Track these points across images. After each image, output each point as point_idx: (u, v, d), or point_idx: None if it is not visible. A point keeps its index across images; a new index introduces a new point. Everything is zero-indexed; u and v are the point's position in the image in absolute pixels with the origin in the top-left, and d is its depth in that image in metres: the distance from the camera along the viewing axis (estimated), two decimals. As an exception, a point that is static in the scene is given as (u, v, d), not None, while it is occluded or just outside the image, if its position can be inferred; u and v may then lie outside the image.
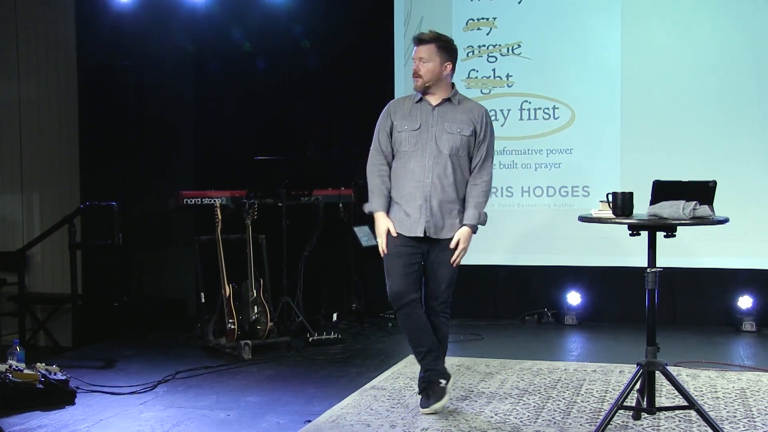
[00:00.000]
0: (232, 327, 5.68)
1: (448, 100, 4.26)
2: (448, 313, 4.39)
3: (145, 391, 4.77)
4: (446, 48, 4.24)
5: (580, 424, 4.06)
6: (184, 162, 7.43)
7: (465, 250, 4.25)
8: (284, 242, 6.19)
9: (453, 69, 4.27)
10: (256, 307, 5.78)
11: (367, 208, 4.36)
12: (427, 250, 4.27)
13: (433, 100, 4.26)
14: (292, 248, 6.30)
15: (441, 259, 4.26)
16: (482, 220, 4.27)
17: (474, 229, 4.26)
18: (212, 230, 5.83)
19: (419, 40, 4.24)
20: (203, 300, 5.98)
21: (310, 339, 5.97)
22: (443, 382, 4.27)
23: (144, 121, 7.17)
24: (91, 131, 7.34)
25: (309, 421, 4.16)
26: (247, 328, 5.74)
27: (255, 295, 5.79)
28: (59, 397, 4.49)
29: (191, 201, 6.29)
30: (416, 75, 4.23)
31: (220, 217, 5.80)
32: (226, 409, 4.42)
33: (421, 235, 4.21)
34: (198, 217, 6.95)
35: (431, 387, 4.26)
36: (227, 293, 5.75)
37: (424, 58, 4.20)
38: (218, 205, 5.89)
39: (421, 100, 4.29)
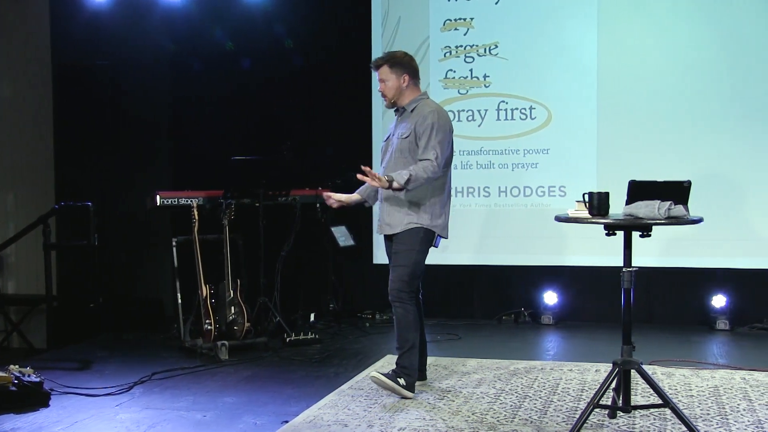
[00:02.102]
0: (209, 328, 5.66)
1: (404, 108, 4.68)
2: (397, 304, 4.64)
3: (121, 393, 4.74)
4: (398, 63, 4.65)
5: (557, 423, 4.08)
6: (161, 162, 7.38)
7: (378, 180, 4.38)
8: (262, 242, 6.18)
9: (412, 77, 4.67)
10: (233, 308, 5.77)
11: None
12: (389, 246, 4.74)
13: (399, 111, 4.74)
14: (270, 248, 6.29)
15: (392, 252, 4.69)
16: (404, 181, 4.38)
17: (391, 183, 4.38)
18: (189, 230, 5.81)
19: (375, 66, 4.70)
20: (180, 300, 5.95)
21: (288, 339, 5.96)
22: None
23: (120, 121, 7.12)
24: (67, 130, 7.29)
25: (286, 422, 4.16)
26: (224, 329, 5.72)
27: (232, 295, 5.78)
28: (33, 399, 4.45)
29: (168, 201, 6.26)
30: (383, 96, 4.71)
31: (197, 217, 5.78)
32: (203, 410, 4.41)
33: (378, 233, 4.77)
34: (175, 217, 6.92)
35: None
36: (204, 294, 5.73)
37: (383, 78, 4.65)
38: (195, 205, 5.87)
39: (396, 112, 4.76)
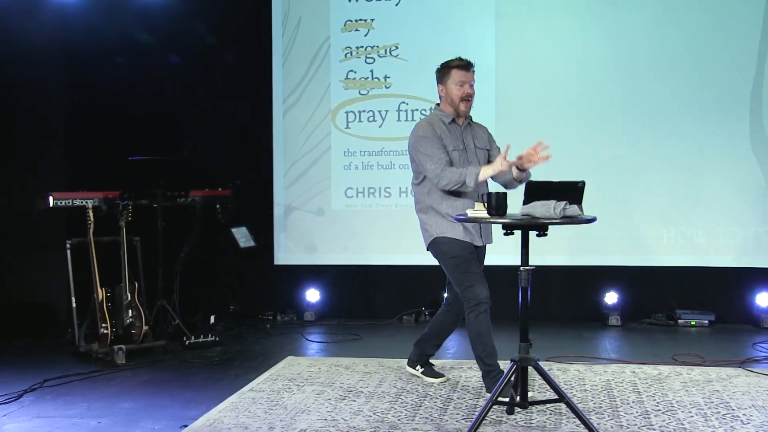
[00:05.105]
0: (105, 332, 5.52)
1: (470, 117, 4.72)
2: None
3: (9, 402, 4.56)
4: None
5: (457, 421, 4.14)
6: (54, 161, 7.13)
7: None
8: (160, 244, 6.07)
9: (443, 90, 4.65)
10: (130, 311, 5.64)
11: (470, 180, 4.35)
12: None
13: None
14: (169, 250, 6.18)
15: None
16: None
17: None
18: (84, 232, 5.65)
19: (471, 68, 4.65)
20: (74, 304, 5.78)
21: (187, 342, 5.87)
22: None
23: (10, 119, 6.85)
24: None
25: (185, 426, 4.09)
26: (121, 333, 5.60)
27: (129, 298, 5.65)
28: None
29: (61, 202, 6.07)
30: (470, 99, 4.64)
31: (92, 218, 5.63)
32: (98, 416, 4.29)
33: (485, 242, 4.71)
34: (69, 218, 6.71)
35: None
36: (100, 297, 5.59)
37: (473, 83, 4.66)
38: (90, 206, 5.72)
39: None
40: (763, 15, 6.45)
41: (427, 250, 4.66)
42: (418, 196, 4.66)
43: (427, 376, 4.93)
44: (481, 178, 4.31)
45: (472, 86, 4.60)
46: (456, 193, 4.48)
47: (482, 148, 4.63)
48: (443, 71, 4.65)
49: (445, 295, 5.02)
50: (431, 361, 5.03)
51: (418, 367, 4.97)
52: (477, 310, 4.40)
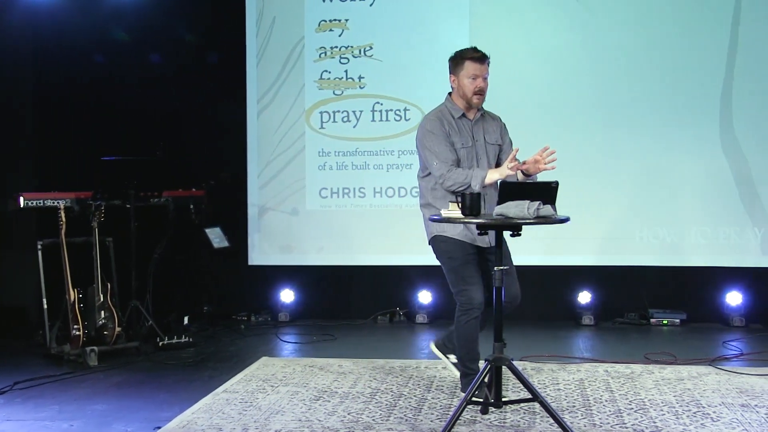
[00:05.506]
0: (78, 333, 5.48)
1: (483, 110, 4.53)
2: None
3: (-19, 404, 4.52)
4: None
5: (431, 420, 4.15)
6: (25, 162, 7.05)
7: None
8: (133, 245, 6.02)
9: (455, 81, 4.46)
10: (103, 312, 5.60)
11: (476, 183, 4.20)
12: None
13: None
14: (142, 251, 6.13)
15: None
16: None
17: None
18: (56, 233, 5.60)
19: (485, 60, 4.43)
20: (45, 306, 5.73)
21: (161, 343, 5.84)
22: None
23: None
24: None
25: (159, 428, 4.06)
26: (94, 334, 5.55)
27: (102, 299, 5.61)
28: None
29: (32, 203, 6.02)
30: (483, 93, 4.45)
31: (64, 219, 5.58)
32: (70, 419, 4.25)
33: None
34: (40, 219, 6.63)
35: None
36: (72, 298, 5.54)
37: (486, 75, 4.44)
38: (62, 206, 5.67)
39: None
40: (732, 17, 6.53)
41: (429, 244, 4.51)
42: (422, 191, 4.49)
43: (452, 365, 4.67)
44: (487, 181, 4.18)
45: (485, 79, 4.40)
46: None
47: (493, 143, 4.45)
48: (457, 61, 4.43)
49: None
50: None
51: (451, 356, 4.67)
52: (469, 315, 4.29)
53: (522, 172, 4.18)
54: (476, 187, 4.15)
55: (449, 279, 4.38)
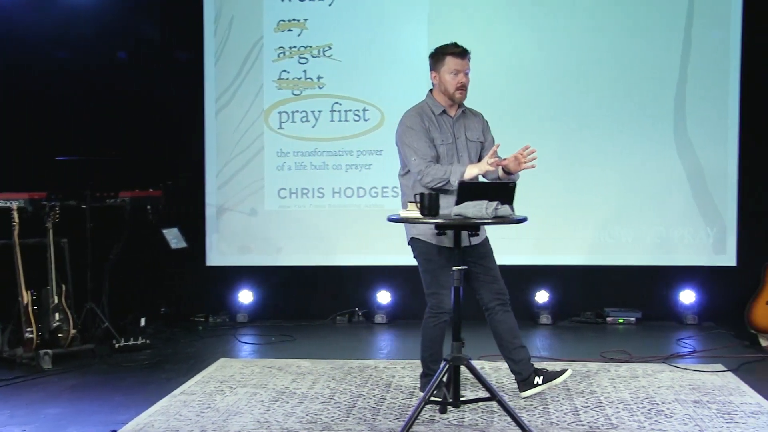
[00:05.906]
0: (31, 336, 5.39)
1: (464, 107, 4.52)
2: None
3: (-69, 409, 4.43)
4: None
5: (390, 421, 4.16)
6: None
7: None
8: (89, 246, 5.95)
9: (436, 77, 4.43)
10: (57, 314, 5.52)
11: (455, 179, 4.13)
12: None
13: None
14: (98, 252, 6.06)
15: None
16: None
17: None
18: (8, 234, 5.50)
19: (466, 56, 4.41)
20: (-3, 309, 5.63)
21: (117, 345, 5.77)
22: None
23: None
24: None
25: (115, 431, 4.02)
26: (48, 337, 5.47)
27: (56, 301, 5.53)
28: None
29: (-17, 203, 5.91)
30: (465, 89, 4.43)
31: (17, 220, 5.50)
32: (22, 423, 4.18)
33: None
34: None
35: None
36: (25, 300, 5.45)
37: (468, 71, 4.41)
38: (15, 207, 5.58)
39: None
40: (685, 21, 6.63)
41: (408, 244, 4.49)
42: (402, 189, 4.46)
43: (549, 381, 4.48)
44: (466, 176, 4.13)
45: (467, 75, 4.36)
46: (440, 191, 4.23)
47: (474, 140, 4.42)
48: (437, 57, 4.38)
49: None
50: (536, 366, 4.56)
51: (536, 380, 4.49)
52: (438, 319, 4.31)
53: (503, 169, 4.19)
54: (455, 183, 4.08)
55: (424, 279, 4.38)
